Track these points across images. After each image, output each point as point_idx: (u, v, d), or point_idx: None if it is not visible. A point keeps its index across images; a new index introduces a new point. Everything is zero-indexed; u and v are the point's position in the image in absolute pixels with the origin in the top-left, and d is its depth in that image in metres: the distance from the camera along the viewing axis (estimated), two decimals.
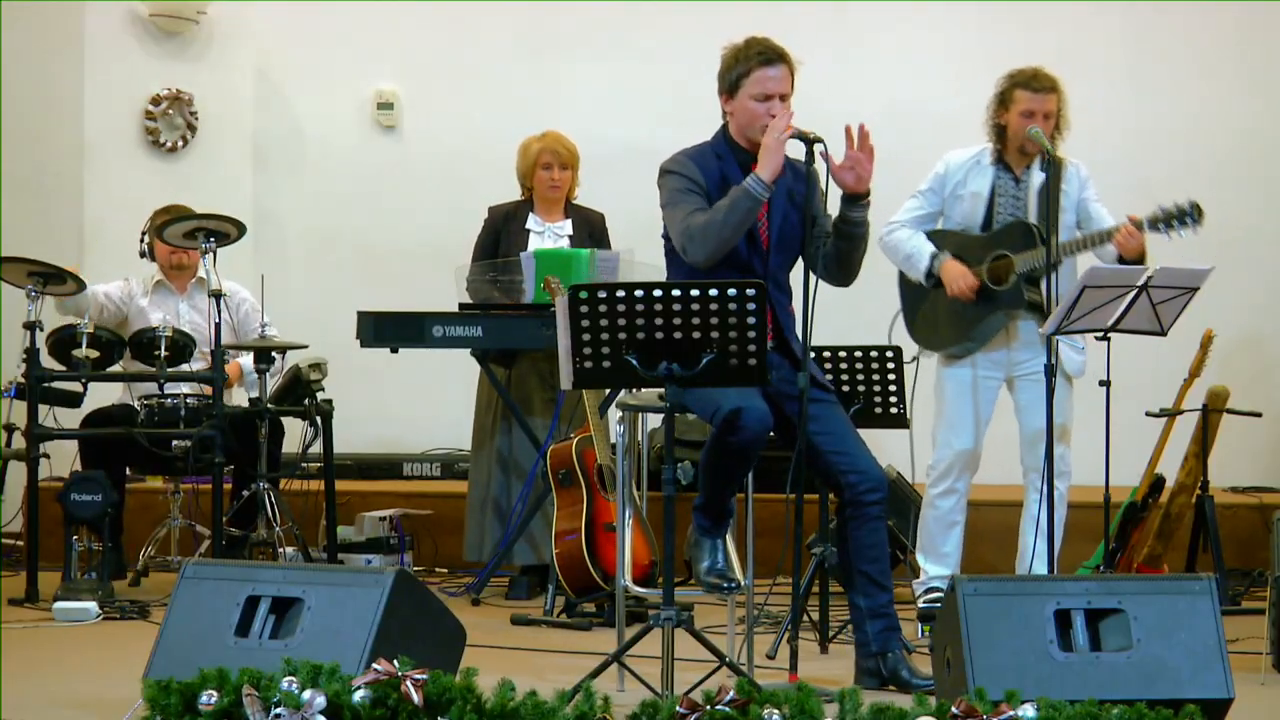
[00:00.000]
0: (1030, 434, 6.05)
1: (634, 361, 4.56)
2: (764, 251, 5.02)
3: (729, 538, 5.29)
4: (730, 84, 5.06)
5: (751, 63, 5.02)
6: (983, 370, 6.10)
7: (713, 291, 4.52)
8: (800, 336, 4.87)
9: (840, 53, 8.25)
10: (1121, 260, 5.84)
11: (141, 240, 7.13)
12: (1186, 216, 5.82)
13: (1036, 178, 6.00)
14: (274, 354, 6.73)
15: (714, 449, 4.85)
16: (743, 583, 5.18)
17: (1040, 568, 5.86)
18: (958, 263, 6.03)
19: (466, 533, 6.96)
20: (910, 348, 6.25)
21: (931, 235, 6.12)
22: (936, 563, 6.13)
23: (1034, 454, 6.02)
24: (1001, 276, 6.00)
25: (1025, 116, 5.94)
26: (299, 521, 6.85)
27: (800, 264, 4.99)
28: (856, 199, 4.94)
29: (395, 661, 4.03)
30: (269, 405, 6.71)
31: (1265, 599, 5.61)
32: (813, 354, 4.88)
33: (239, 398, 7.24)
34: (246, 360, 7.07)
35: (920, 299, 6.20)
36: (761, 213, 5.00)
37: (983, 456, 6.19)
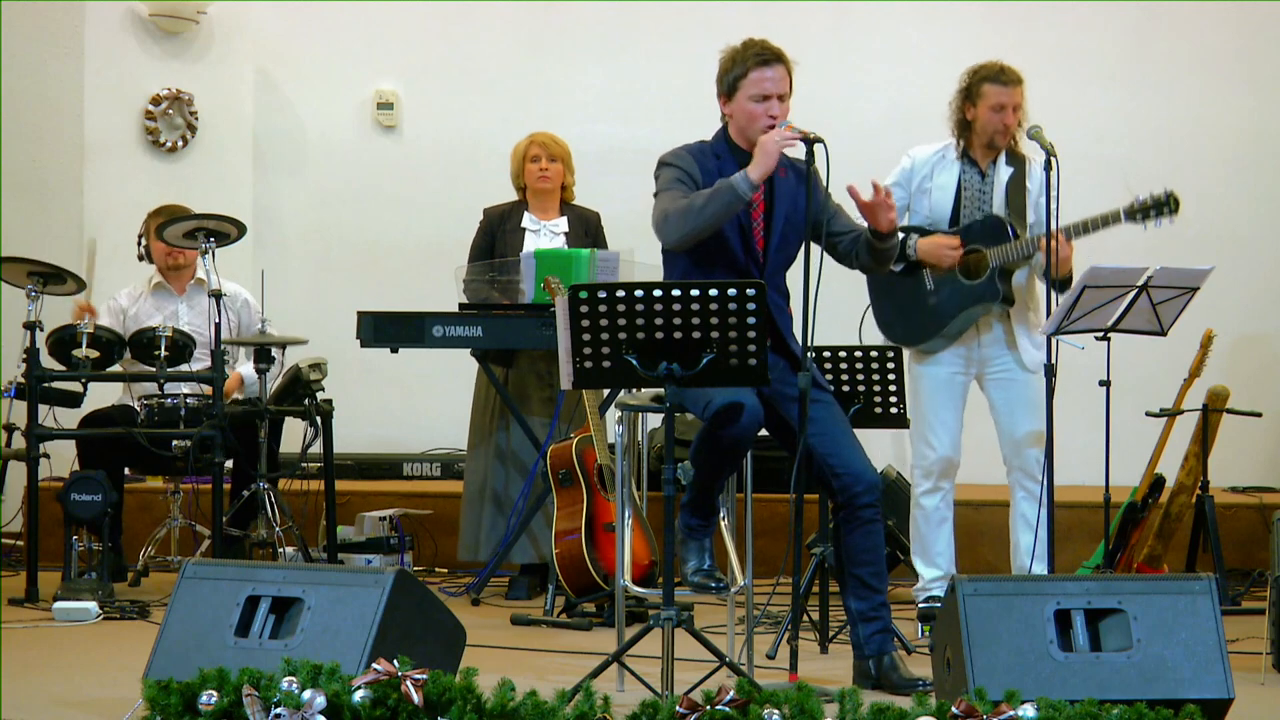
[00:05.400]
0: (1012, 434, 6.03)
1: (634, 361, 4.57)
2: (759, 253, 5.02)
3: (727, 537, 5.29)
4: (728, 86, 5.06)
5: (749, 64, 5.01)
6: (952, 366, 6.07)
7: (713, 291, 4.53)
8: (798, 338, 4.87)
9: (842, 53, 8.25)
10: (1049, 276, 5.74)
11: (139, 244, 7.13)
12: (1164, 206, 5.79)
13: (1003, 172, 6.00)
14: (274, 351, 6.72)
15: (704, 443, 4.85)
16: (740, 582, 5.18)
17: (1039, 568, 5.85)
18: (931, 237, 5.97)
19: (461, 533, 6.96)
20: None
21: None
22: (931, 565, 6.12)
23: (1018, 454, 6.02)
24: (974, 270, 5.98)
25: (995, 110, 5.93)
26: (299, 521, 6.85)
27: (799, 265, 4.99)
28: (889, 234, 5.02)
29: (395, 661, 4.03)
30: (269, 405, 6.71)
31: (1265, 599, 5.61)
32: (812, 354, 4.88)
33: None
34: (245, 369, 7.06)
35: (890, 293, 6.14)
36: (756, 212, 5.01)
37: (980, 456, 6.18)
